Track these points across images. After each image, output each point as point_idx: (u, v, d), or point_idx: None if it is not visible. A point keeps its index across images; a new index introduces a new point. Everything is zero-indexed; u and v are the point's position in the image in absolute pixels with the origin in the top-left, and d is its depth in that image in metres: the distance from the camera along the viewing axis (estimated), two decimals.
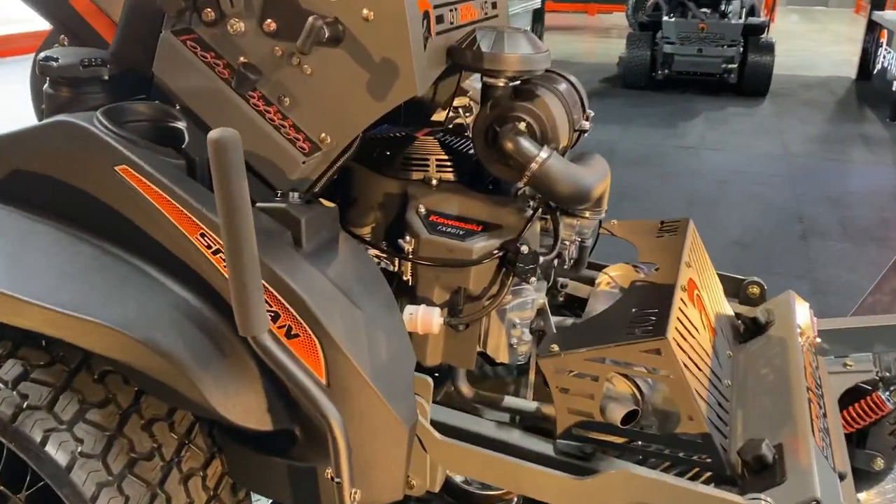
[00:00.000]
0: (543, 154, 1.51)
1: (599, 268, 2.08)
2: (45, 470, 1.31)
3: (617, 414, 1.47)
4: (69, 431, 1.34)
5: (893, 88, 9.11)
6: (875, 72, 10.74)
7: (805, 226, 5.48)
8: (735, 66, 9.54)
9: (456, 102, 2.15)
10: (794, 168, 7.14)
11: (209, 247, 1.33)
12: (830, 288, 4.46)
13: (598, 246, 1.99)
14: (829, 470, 1.48)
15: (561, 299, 2.06)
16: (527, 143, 1.52)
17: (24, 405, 1.33)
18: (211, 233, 1.32)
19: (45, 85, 1.55)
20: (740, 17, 9.68)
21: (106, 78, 1.53)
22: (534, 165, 1.50)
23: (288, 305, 1.30)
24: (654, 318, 1.50)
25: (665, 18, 9.59)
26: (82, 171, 1.41)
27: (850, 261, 4.88)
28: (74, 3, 1.90)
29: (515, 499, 1.74)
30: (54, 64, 1.50)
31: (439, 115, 2.14)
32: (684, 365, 1.46)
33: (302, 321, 1.30)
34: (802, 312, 2.04)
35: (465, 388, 1.74)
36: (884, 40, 10.43)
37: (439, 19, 1.55)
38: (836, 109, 9.70)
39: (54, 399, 1.36)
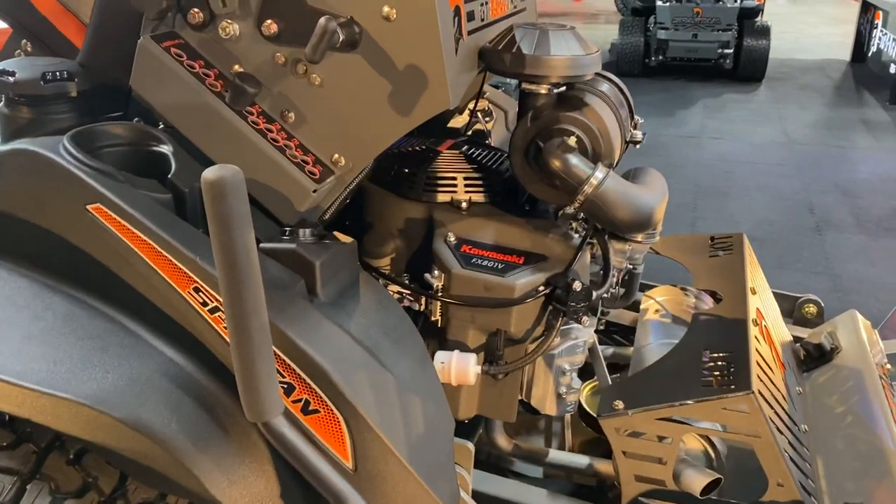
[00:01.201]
0: (599, 174, 1.27)
1: (641, 288, 1.86)
2: None
3: (696, 483, 1.24)
4: None
5: (891, 71, 8.95)
6: (870, 54, 10.56)
7: (817, 217, 5.29)
8: (731, 51, 9.36)
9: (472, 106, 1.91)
10: (799, 156, 6.95)
11: (205, 304, 1.08)
12: (852, 285, 4.26)
13: None
14: None
15: (601, 328, 1.83)
16: (578, 162, 1.28)
17: None
18: (207, 287, 1.08)
19: (1, 104, 1.29)
20: (735, 1, 9.47)
21: (74, 94, 1.28)
22: (588, 188, 1.27)
23: (304, 376, 1.06)
24: (731, 365, 1.27)
25: (659, 3, 9.38)
26: (48, 210, 1.16)
27: (867, 254, 4.69)
28: (38, 4, 1.64)
29: None
30: (11, 79, 1.24)
31: (457, 121, 1.89)
32: (770, 420, 1.24)
33: (322, 394, 1.06)
34: (870, 334, 1.83)
35: (504, 441, 1.50)
36: (878, 21, 10.24)
37: (470, 16, 1.31)
38: (834, 94, 9.52)
39: (21, 491, 1.12)
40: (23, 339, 1.14)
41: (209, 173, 0.84)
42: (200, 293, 1.08)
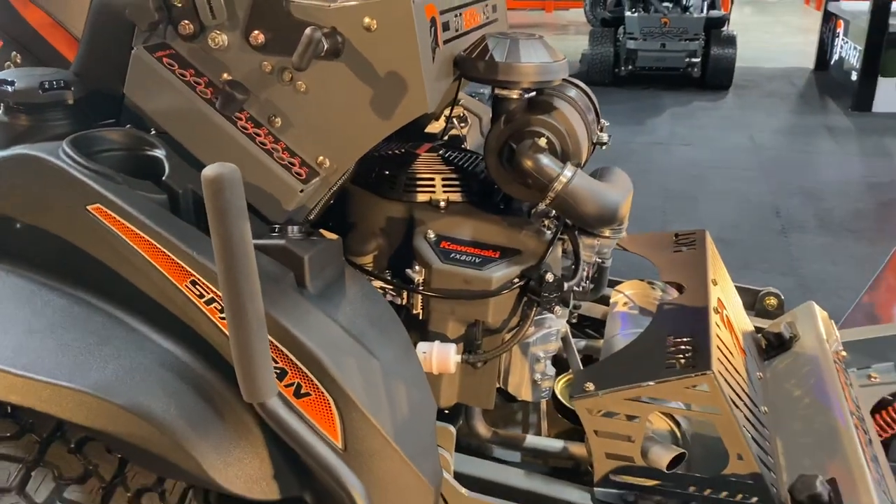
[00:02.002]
0: (568, 172, 1.36)
1: (611, 284, 1.95)
2: None
3: (662, 458, 1.33)
4: None
5: (853, 78, 9.20)
6: (833, 62, 10.83)
7: (783, 220, 5.45)
8: (698, 60, 9.55)
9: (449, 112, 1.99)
10: (765, 161, 7.13)
11: (202, 296, 1.15)
12: (816, 284, 4.41)
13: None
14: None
15: (574, 321, 1.92)
16: (548, 161, 1.37)
17: None
18: (203, 280, 1.15)
19: (0, 111, 1.35)
20: (702, 11, 9.68)
21: (70, 102, 1.34)
22: (557, 185, 1.36)
23: (297, 361, 1.13)
24: (692, 349, 1.37)
25: (627, 14, 9.56)
26: (49, 212, 1.22)
27: (831, 254, 4.84)
28: (27, 15, 1.70)
29: None
30: (10, 88, 1.30)
31: (433, 127, 1.98)
32: (730, 399, 1.33)
33: (313, 378, 1.13)
34: (824, 325, 1.94)
35: (483, 429, 1.58)
36: (840, 30, 10.53)
37: (445, 26, 1.40)
38: (798, 101, 9.76)
39: (26, 477, 1.18)
40: (25, 333, 1.20)
41: (209, 170, 0.92)
42: (197, 286, 1.15)
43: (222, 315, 1.14)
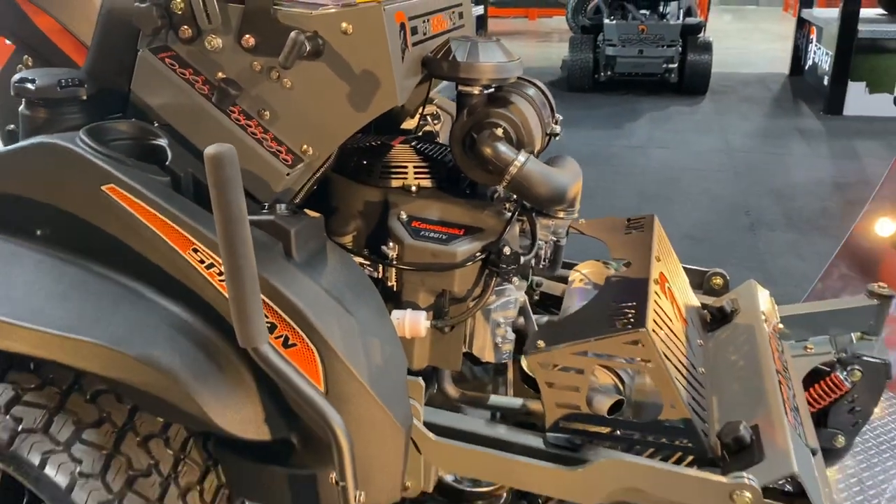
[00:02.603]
0: (521, 158, 1.56)
1: (571, 266, 2.14)
2: (45, 492, 1.30)
3: (603, 405, 1.52)
4: (67, 452, 1.34)
5: (825, 83, 9.47)
6: (807, 67, 11.12)
7: (752, 218, 5.67)
8: (675, 65, 9.79)
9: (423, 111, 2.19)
10: (738, 163, 7.37)
11: (202, 261, 1.34)
12: (781, 277, 4.62)
13: (568, 244, 2.06)
14: (802, 447, 1.56)
15: (536, 298, 2.11)
16: (505, 149, 1.57)
17: (20, 429, 1.33)
18: (204, 248, 1.34)
19: (21, 106, 1.53)
20: (678, 18, 9.94)
21: (84, 98, 1.53)
22: (513, 169, 1.55)
23: (285, 316, 1.32)
24: (632, 312, 1.56)
25: (606, 21, 9.79)
26: (67, 193, 1.41)
27: (797, 250, 5.07)
28: (39, 23, 1.89)
29: (505, 495, 1.78)
30: (31, 85, 1.49)
31: (408, 124, 2.17)
32: (663, 354, 1.53)
33: (299, 330, 1.32)
34: (764, 300, 2.14)
35: (451, 389, 1.77)
36: (813, 37, 10.82)
37: (413, 31, 1.59)
38: (772, 105, 10.03)
39: (49, 421, 1.36)
40: (46, 298, 1.39)
41: (211, 149, 1.10)
42: (199, 253, 1.34)
43: (221, 278, 1.33)
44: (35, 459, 1.31)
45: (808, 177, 6.74)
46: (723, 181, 6.72)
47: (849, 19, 8.73)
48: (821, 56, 10.25)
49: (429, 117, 2.21)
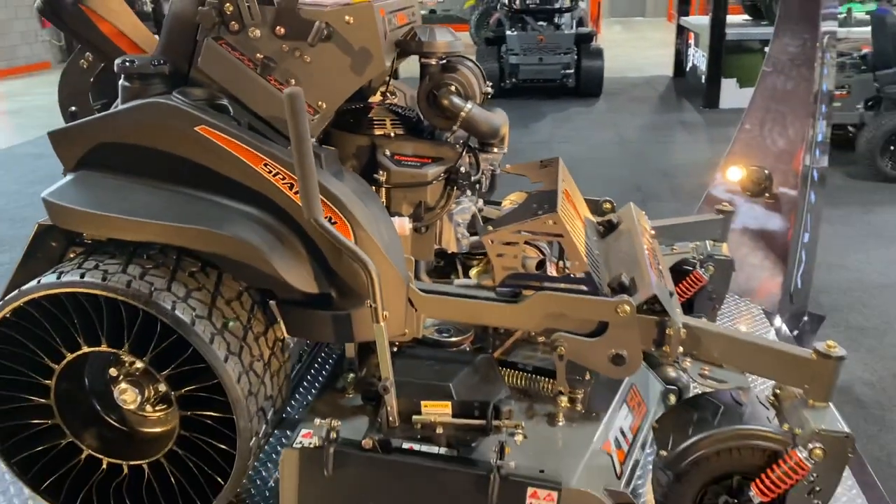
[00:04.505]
0: (469, 105, 2.31)
1: (498, 204, 2.92)
2: (180, 327, 1.95)
3: (531, 265, 2.29)
4: (185, 302, 1.99)
5: (703, 81, 10.67)
6: (688, 69, 12.37)
7: (643, 193, 6.62)
8: (572, 71, 10.82)
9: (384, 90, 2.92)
10: (630, 151, 8.38)
11: (270, 171, 2.04)
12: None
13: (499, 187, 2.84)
14: (663, 287, 2.36)
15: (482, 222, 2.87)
16: (457, 100, 2.32)
17: (152, 288, 1.98)
18: (272, 161, 2.03)
19: (121, 79, 2.19)
20: (572, 28, 10.99)
21: (167, 73, 2.19)
22: (464, 113, 2.31)
23: (329, 203, 2.03)
24: (547, 205, 2.34)
25: (508, 33, 10.75)
26: (169, 134, 2.07)
27: (680, 215, 6.01)
28: (102, 28, 2.53)
29: (468, 345, 2.51)
30: (131, 65, 2.15)
31: (373, 99, 2.90)
32: (571, 230, 2.31)
33: (338, 212, 2.03)
34: (640, 216, 2.96)
35: (425, 277, 2.51)
36: (692, 41, 12.08)
37: (389, 21, 2.33)
38: (658, 102, 11.19)
39: (169, 284, 2.02)
40: (159, 207, 2.05)
41: (290, 89, 1.80)
42: (267, 166, 2.04)
43: (283, 181, 2.03)
44: (167, 305, 1.96)
45: (689, 159, 7.79)
46: (618, 166, 7.69)
47: (718, 25, 9.93)
48: (699, 58, 11.48)
49: (389, 94, 2.95)
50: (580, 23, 11.42)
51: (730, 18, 10.20)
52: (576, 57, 10.78)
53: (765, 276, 3.93)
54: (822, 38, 3.63)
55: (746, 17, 11.30)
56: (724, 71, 10.13)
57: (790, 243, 3.83)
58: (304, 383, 2.89)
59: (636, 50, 16.83)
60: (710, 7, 10.51)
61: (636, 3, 23.99)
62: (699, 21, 11.89)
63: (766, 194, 3.96)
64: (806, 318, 3.94)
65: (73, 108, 2.66)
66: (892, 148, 6.82)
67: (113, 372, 2.19)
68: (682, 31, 12.68)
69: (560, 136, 8.98)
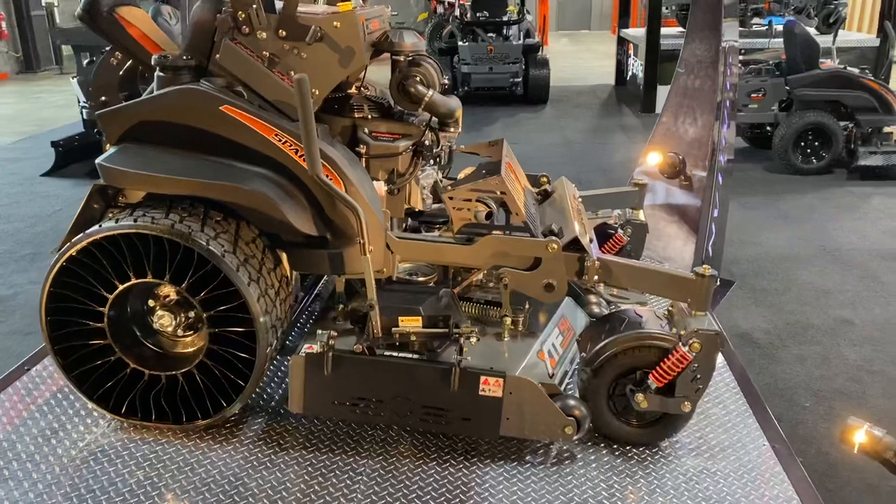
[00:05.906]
0: (430, 92, 2.95)
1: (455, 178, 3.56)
2: (213, 258, 2.54)
3: (482, 217, 2.94)
4: (216, 240, 2.59)
5: (640, 88, 11.51)
6: (628, 77, 13.23)
7: (583, 185, 7.31)
8: (520, 79, 11.58)
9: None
10: (573, 151, 9.12)
11: (281, 140, 2.65)
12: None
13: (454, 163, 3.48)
14: (584, 233, 3.02)
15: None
16: (422, 87, 2.96)
17: (190, 229, 2.57)
18: (282, 132, 2.64)
19: (157, 70, 2.78)
20: (519, 39, 11.75)
21: (194, 65, 2.79)
22: (426, 98, 2.94)
23: (327, 164, 2.64)
24: (494, 170, 2.99)
25: (460, 44, 11.46)
26: (198, 113, 2.67)
27: None
28: (130, 31, 3.11)
29: (433, 283, 3.14)
30: (165, 59, 2.74)
31: (352, 91, 3.53)
32: (512, 190, 2.96)
33: (334, 171, 2.65)
34: (570, 187, 3.64)
35: (397, 231, 3.13)
36: (631, 52, 12.95)
37: (367, 27, 2.97)
38: (601, 108, 12.00)
39: (202, 227, 2.61)
40: (189, 169, 2.64)
41: (298, 75, 2.42)
42: (279, 136, 2.65)
43: (291, 147, 2.64)
44: (203, 241, 2.55)
45: (626, 157, 8.55)
46: (562, 164, 8.42)
47: (652, 35, 10.77)
48: (637, 67, 12.33)
49: (361, 89, 3.58)
50: (527, 34, 12.19)
51: (665, 30, 11.06)
52: (523, 66, 11.52)
53: (679, 244, 4.65)
54: (723, 48, 4.33)
55: (681, 28, 12.20)
56: (659, 78, 10.96)
57: (701, 217, 4.55)
58: (299, 324, 3.50)
59: (581, 61, 17.71)
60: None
61: (582, 16, 25.01)
62: (637, 33, 12.76)
63: (681, 176, 4.67)
64: (717, 283, 4.65)
65: (104, 98, 3.23)
66: (802, 144, 7.67)
67: (151, 303, 2.77)
68: (622, 43, 13.55)
69: (510, 139, 9.55)
